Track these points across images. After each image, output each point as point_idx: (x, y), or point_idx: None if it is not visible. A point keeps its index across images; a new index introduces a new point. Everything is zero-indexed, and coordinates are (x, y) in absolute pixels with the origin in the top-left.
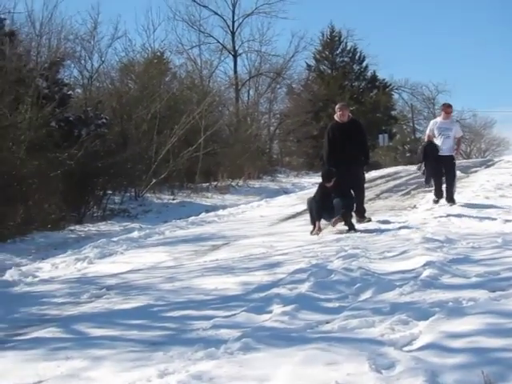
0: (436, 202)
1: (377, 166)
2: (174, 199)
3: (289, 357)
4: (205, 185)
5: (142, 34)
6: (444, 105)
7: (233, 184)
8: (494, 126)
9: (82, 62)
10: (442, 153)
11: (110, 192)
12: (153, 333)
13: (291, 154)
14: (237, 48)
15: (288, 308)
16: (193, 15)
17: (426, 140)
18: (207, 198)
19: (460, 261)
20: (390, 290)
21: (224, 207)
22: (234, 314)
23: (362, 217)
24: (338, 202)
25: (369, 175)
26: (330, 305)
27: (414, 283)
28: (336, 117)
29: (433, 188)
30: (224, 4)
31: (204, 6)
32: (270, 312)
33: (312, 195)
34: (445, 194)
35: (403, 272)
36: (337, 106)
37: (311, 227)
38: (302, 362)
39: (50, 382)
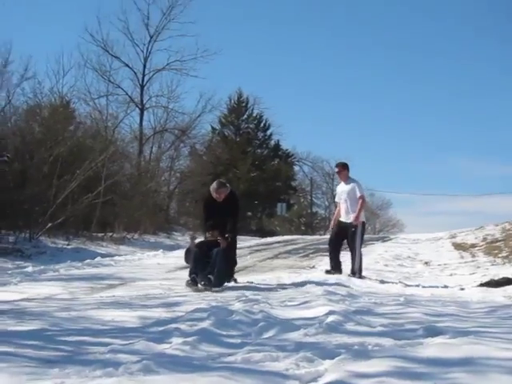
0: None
1: (272, 234)
2: (68, 244)
3: (191, 381)
4: (100, 234)
5: (52, 77)
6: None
7: (128, 236)
8: (390, 207)
9: None
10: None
11: (3, 231)
12: (48, 352)
13: (189, 214)
14: (144, 102)
15: (189, 339)
16: (104, 65)
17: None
18: (102, 246)
19: (363, 312)
20: (293, 330)
21: (119, 256)
22: (133, 343)
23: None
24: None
25: (265, 240)
26: (233, 340)
27: (318, 326)
28: (212, 192)
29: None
30: (136, 57)
31: (116, 57)
32: (170, 343)
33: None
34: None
35: (305, 319)
36: (213, 186)
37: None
38: None
39: None
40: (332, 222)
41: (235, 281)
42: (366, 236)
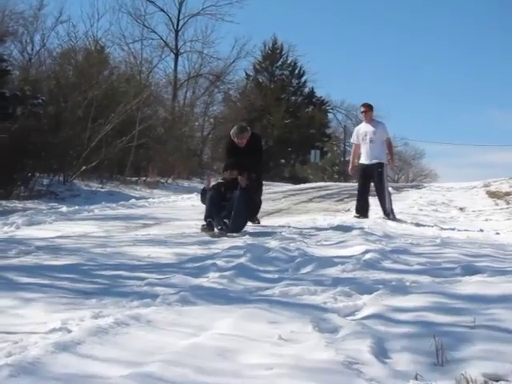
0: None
1: (305, 181)
2: (102, 188)
3: (229, 312)
4: (134, 178)
5: (86, 21)
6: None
7: (162, 181)
8: (423, 157)
9: (24, 42)
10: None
11: (38, 174)
12: (84, 285)
13: (222, 159)
14: (179, 47)
15: (226, 273)
16: (138, 9)
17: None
18: (136, 190)
19: (400, 252)
20: (331, 266)
21: (153, 199)
22: (169, 277)
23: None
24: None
25: (299, 186)
26: (270, 275)
27: (356, 263)
28: (233, 137)
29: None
30: (171, 1)
31: (150, 2)
32: (207, 277)
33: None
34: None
35: (342, 257)
36: (234, 131)
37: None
38: (242, 318)
39: None
40: (351, 165)
41: (258, 222)
42: (399, 183)
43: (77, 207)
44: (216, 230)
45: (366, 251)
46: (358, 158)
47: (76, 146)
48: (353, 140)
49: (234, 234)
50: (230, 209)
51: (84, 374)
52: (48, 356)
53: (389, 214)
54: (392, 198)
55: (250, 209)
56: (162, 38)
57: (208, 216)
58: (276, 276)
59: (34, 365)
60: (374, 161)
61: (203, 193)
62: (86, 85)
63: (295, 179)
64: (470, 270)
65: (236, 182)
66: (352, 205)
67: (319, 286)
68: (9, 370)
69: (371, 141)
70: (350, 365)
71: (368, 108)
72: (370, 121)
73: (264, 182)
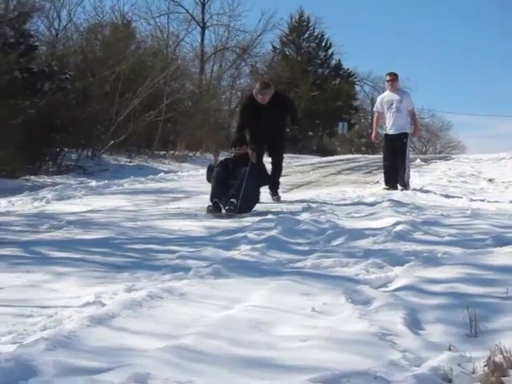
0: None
1: (333, 154)
2: (130, 162)
3: (261, 284)
4: (162, 152)
5: None
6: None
7: (190, 154)
8: (450, 128)
9: (50, 18)
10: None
11: (66, 149)
12: (116, 259)
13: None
14: (205, 20)
15: (258, 246)
16: None
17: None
18: (164, 164)
19: (431, 223)
20: (362, 238)
21: (182, 172)
22: (201, 250)
23: (273, 193)
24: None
25: (327, 158)
26: (301, 248)
27: (387, 234)
28: (255, 96)
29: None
30: None
31: None
32: (239, 250)
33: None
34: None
35: (373, 229)
36: (257, 87)
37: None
38: (275, 290)
39: (9, 289)
40: (374, 132)
41: (278, 198)
42: (427, 155)
43: (106, 181)
44: (223, 210)
45: (397, 223)
46: (381, 127)
47: (104, 121)
48: (376, 108)
49: (243, 215)
50: (239, 187)
51: (119, 347)
52: (83, 329)
53: (406, 185)
54: (421, 169)
55: (269, 182)
56: (188, 12)
57: (214, 196)
58: (307, 248)
59: (70, 338)
60: (400, 131)
61: (210, 169)
62: (113, 59)
63: (323, 151)
64: (502, 241)
65: (245, 158)
66: (381, 177)
67: (351, 258)
68: (45, 343)
69: (398, 109)
70: (383, 336)
71: (394, 77)
72: (396, 90)
73: (292, 155)
